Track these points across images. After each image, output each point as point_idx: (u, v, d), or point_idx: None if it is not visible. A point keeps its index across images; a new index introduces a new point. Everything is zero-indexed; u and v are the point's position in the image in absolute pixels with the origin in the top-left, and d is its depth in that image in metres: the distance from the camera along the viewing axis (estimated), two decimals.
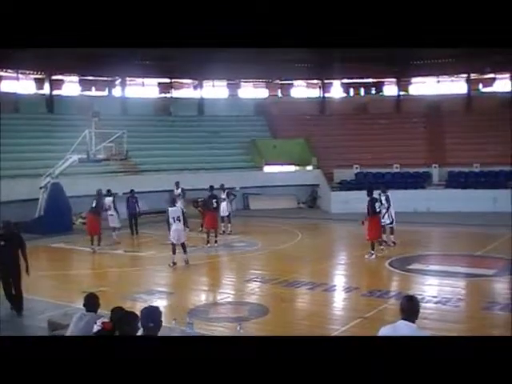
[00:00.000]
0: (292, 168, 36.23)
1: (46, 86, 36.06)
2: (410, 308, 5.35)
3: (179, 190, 24.06)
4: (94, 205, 20.30)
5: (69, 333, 7.19)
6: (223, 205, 22.66)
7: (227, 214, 23.06)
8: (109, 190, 22.07)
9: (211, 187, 21.89)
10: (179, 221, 16.76)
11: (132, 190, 24.34)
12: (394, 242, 19.24)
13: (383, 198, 18.98)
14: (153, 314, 5.66)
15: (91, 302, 7.29)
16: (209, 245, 20.12)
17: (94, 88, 38.25)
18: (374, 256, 17.25)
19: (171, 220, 16.71)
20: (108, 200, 21.64)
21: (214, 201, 21.21)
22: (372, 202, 17.65)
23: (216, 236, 20.66)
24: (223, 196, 22.96)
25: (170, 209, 16.98)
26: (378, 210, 17.73)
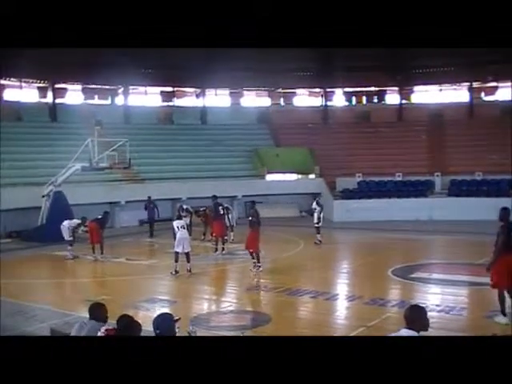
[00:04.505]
0: (294, 176, 36.21)
1: (49, 94, 36.19)
2: (412, 316, 5.37)
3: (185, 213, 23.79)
4: (99, 216, 20.55)
5: None
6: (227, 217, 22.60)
7: (229, 224, 22.96)
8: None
9: (214, 196, 21.83)
10: (184, 228, 16.98)
11: (149, 197, 25.97)
12: (320, 241, 22.01)
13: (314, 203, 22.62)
14: (163, 321, 5.64)
15: (96, 312, 7.19)
16: (218, 252, 20.34)
17: (96, 96, 38.44)
18: (261, 268, 16.89)
19: (176, 229, 16.96)
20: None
21: (220, 208, 21.22)
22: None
23: (223, 244, 20.74)
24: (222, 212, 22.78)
25: (174, 221, 17.43)
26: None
